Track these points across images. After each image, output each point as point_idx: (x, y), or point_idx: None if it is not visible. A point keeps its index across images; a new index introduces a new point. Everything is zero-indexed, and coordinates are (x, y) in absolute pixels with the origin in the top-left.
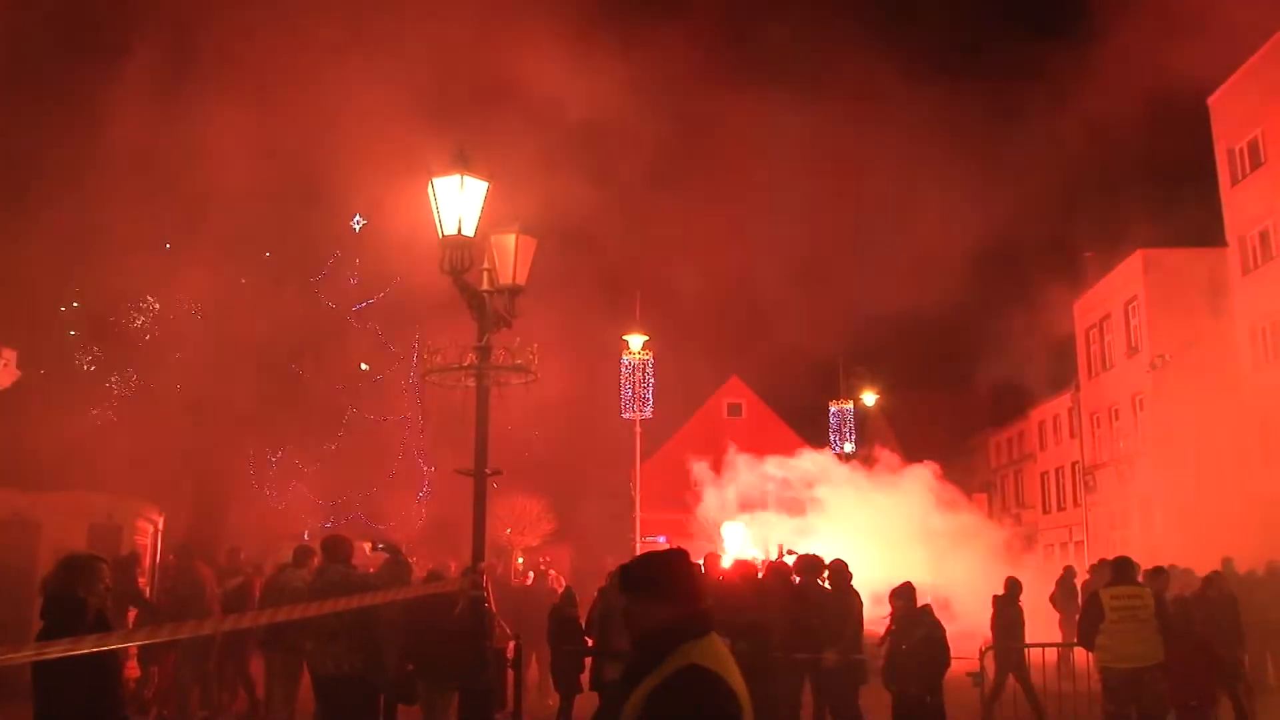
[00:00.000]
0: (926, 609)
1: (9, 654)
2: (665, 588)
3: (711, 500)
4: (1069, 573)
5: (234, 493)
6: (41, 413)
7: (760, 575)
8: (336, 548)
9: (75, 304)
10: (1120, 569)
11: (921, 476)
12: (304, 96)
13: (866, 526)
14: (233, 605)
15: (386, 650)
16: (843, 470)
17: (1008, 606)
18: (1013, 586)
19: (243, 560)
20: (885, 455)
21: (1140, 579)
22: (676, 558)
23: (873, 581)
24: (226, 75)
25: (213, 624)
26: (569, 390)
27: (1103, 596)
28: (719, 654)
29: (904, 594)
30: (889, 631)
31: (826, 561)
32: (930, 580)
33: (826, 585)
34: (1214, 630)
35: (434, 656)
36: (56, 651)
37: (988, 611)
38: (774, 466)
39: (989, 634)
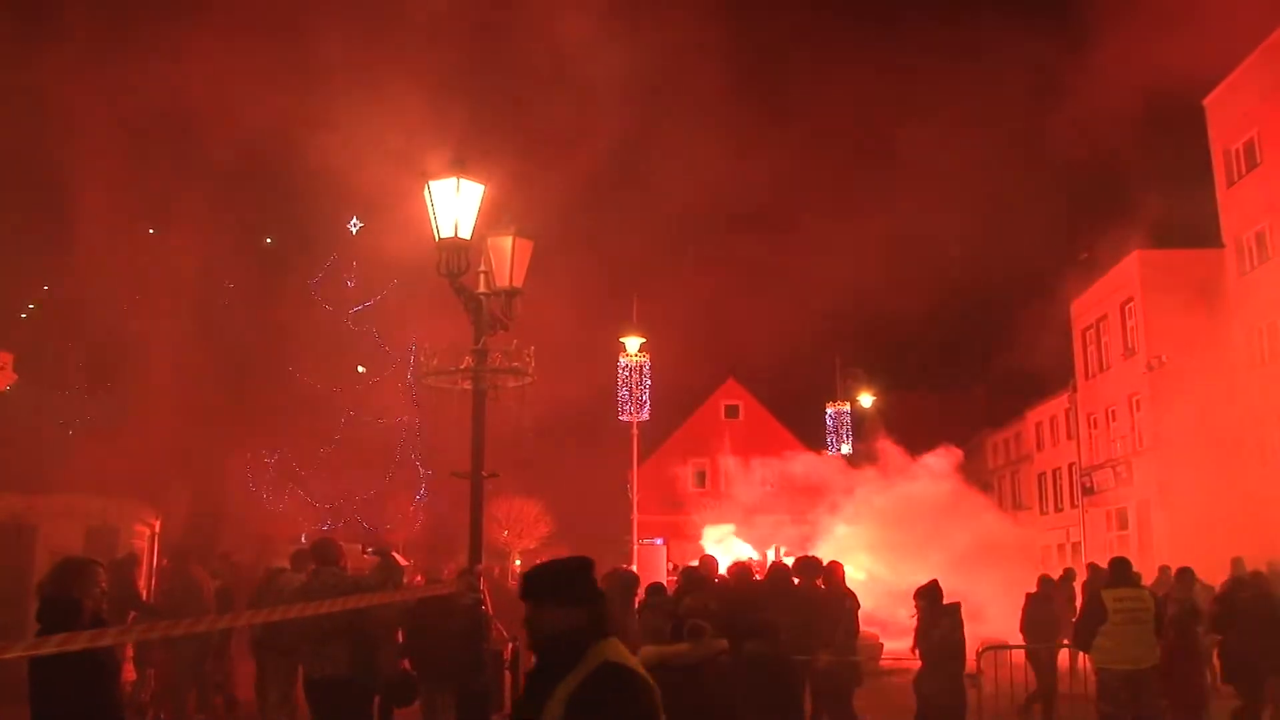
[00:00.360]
0: (951, 608)
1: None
2: (571, 593)
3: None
4: (1069, 574)
5: (231, 496)
6: (38, 415)
7: (758, 577)
8: (327, 551)
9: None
10: (1119, 570)
11: (941, 473)
12: (303, 93)
13: (893, 530)
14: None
15: (381, 652)
16: (863, 474)
17: (1042, 605)
18: (1045, 584)
19: (235, 563)
20: (890, 448)
21: (1173, 580)
22: (579, 564)
23: (894, 585)
24: (222, 72)
25: (207, 623)
26: (566, 392)
27: (1105, 598)
28: (626, 652)
29: (926, 594)
30: (915, 633)
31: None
32: (953, 580)
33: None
34: (1247, 636)
35: (432, 658)
36: (49, 648)
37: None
38: (791, 468)
39: (990, 634)
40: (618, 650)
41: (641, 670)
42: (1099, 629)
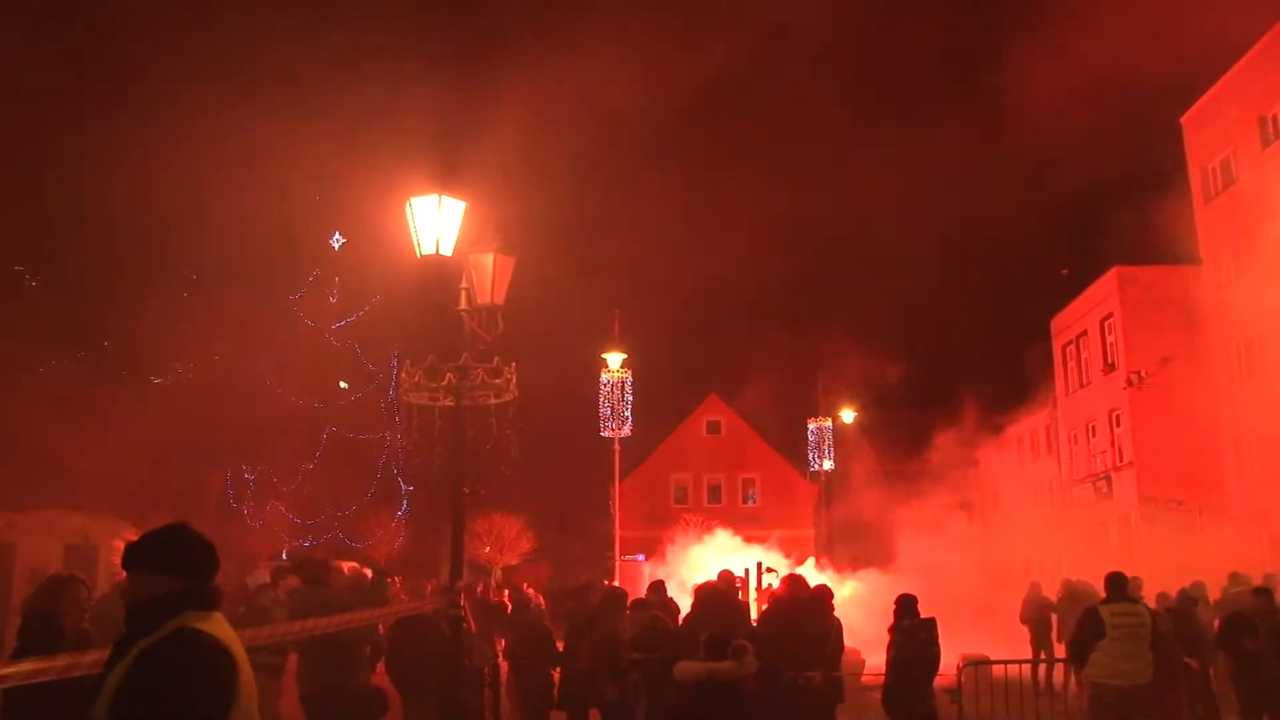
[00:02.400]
0: (923, 623)
1: None
2: (161, 560)
3: None
4: (1035, 588)
5: (212, 512)
6: (16, 430)
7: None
8: (313, 570)
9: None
10: (1115, 586)
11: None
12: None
13: None
14: None
15: (364, 668)
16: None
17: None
18: (1185, 600)
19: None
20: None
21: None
22: (178, 531)
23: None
24: (211, 90)
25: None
26: (548, 408)
27: (1102, 613)
28: (221, 627)
29: (902, 607)
30: (890, 646)
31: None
32: None
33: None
34: None
35: (412, 673)
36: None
37: None
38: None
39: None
40: (209, 621)
41: (225, 642)
42: (1096, 644)
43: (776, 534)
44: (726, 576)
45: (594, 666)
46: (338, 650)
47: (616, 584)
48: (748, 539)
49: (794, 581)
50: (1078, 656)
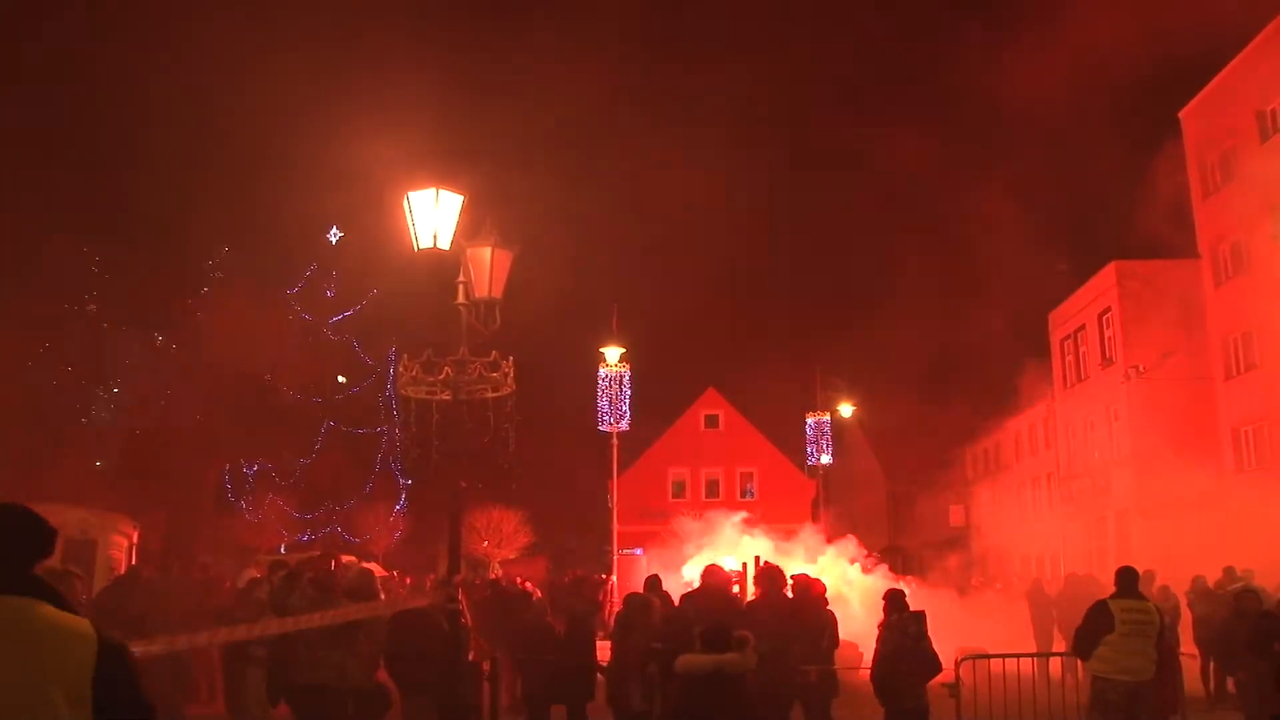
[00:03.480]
0: (913, 617)
1: None
2: None
3: None
4: (1037, 585)
5: (210, 506)
6: (14, 427)
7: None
8: (320, 578)
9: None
10: (1126, 580)
11: None
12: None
13: None
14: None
15: (360, 662)
16: None
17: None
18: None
19: (212, 576)
20: None
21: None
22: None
23: None
24: (206, 78)
25: (225, 635)
26: (547, 402)
27: (1112, 607)
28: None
29: (892, 601)
30: (878, 640)
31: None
32: None
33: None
34: None
35: (411, 669)
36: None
37: None
38: None
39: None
40: None
41: None
42: (1103, 638)
43: (804, 529)
44: (716, 571)
45: (623, 674)
46: (341, 643)
47: (613, 579)
48: (786, 536)
49: (769, 575)
50: (1083, 649)
